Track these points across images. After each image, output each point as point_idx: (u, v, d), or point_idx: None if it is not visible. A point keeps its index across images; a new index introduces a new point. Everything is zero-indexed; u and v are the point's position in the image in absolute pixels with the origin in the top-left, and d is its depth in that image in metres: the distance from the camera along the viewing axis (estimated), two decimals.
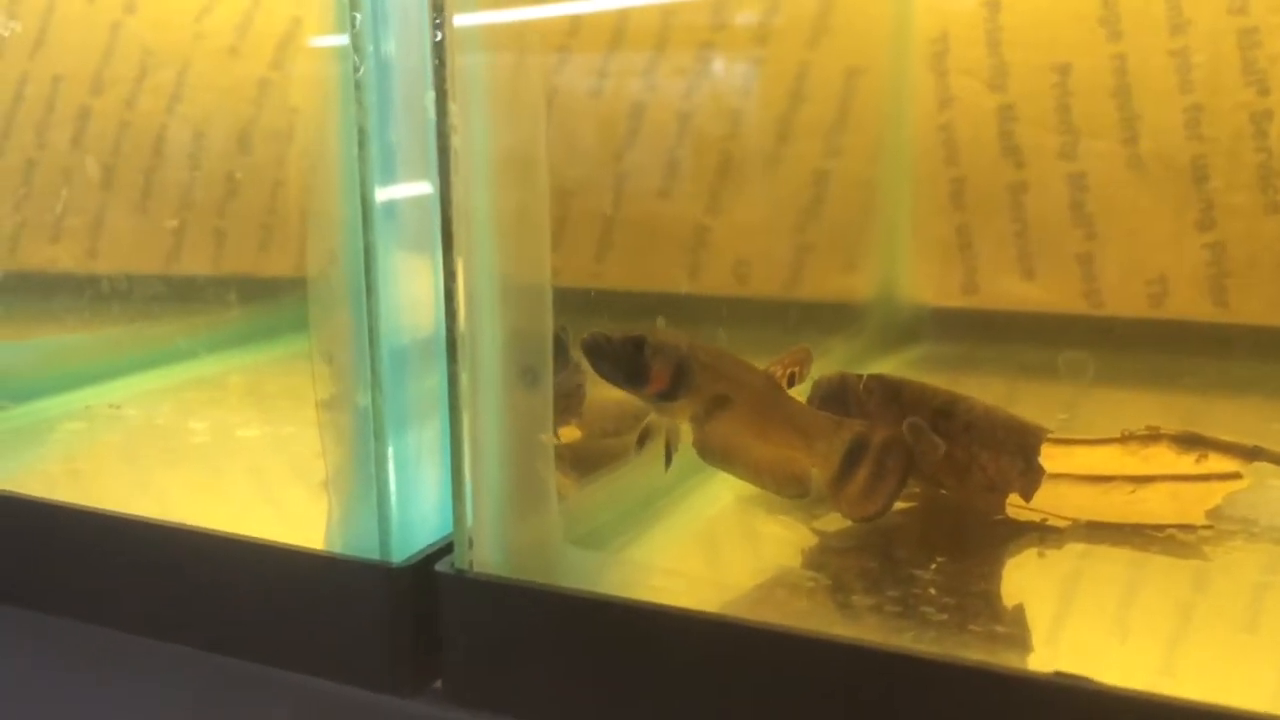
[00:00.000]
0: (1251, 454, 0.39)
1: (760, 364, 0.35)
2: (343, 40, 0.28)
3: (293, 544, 0.31)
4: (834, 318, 0.64)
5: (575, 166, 0.63)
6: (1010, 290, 0.65)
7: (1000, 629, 0.28)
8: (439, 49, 0.27)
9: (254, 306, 0.63)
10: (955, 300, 0.66)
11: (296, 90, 0.74)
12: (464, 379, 0.28)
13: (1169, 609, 0.31)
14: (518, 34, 0.29)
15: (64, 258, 0.71)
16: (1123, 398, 0.55)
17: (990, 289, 0.65)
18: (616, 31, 0.68)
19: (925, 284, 0.66)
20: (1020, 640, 0.28)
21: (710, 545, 0.35)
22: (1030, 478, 0.34)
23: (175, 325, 0.57)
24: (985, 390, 0.37)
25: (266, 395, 0.51)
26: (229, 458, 0.42)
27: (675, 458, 0.39)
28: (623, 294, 0.66)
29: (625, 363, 0.31)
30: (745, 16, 0.68)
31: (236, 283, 0.67)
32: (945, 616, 0.29)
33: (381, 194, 0.28)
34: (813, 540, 0.35)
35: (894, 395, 0.35)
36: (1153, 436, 0.41)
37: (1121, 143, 0.63)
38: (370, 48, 0.28)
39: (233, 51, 0.75)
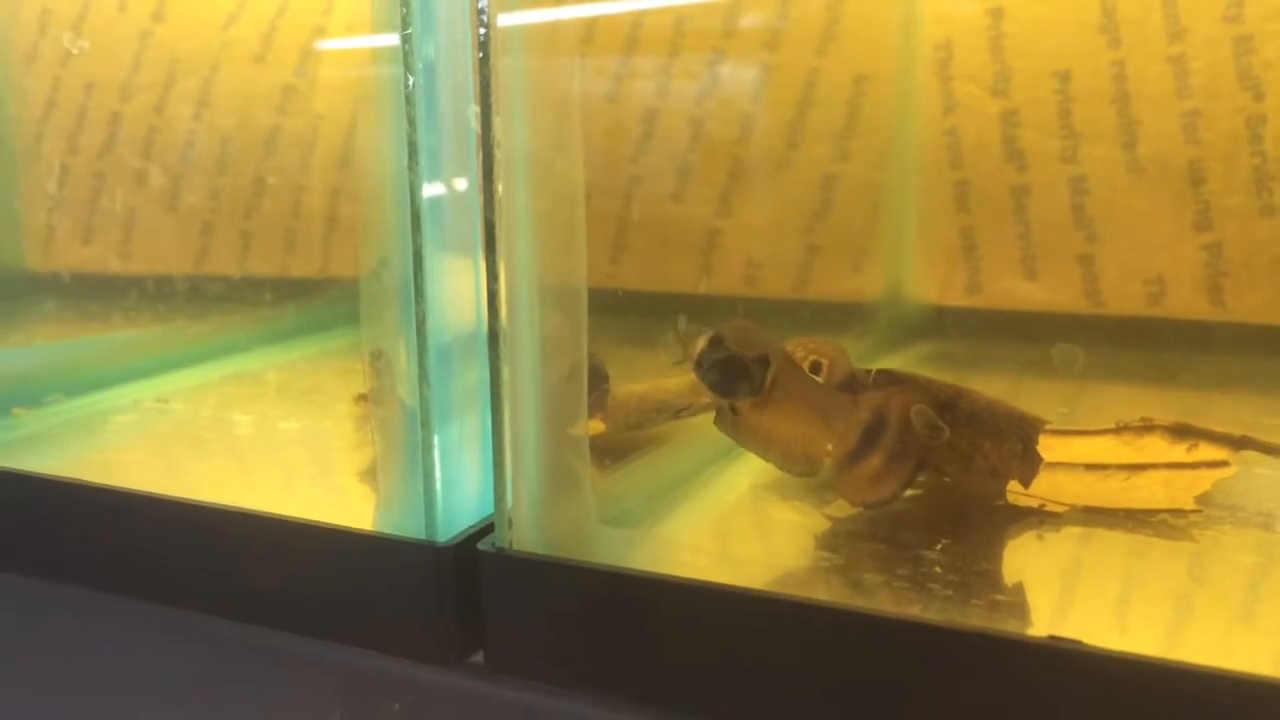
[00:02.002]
0: (1240, 443, 0.41)
1: None
2: (392, 40, 0.30)
3: (344, 525, 0.33)
4: (842, 317, 0.66)
5: (590, 169, 0.65)
6: (1013, 290, 0.67)
7: (1001, 601, 0.31)
8: (483, 53, 0.29)
9: (284, 307, 0.65)
10: (960, 300, 0.68)
11: (320, 96, 0.76)
12: (505, 372, 0.30)
13: (1161, 587, 0.33)
14: (556, 36, 0.31)
15: (98, 259, 0.73)
16: (1122, 393, 0.57)
17: (994, 289, 0.67)
18: (629, 37, 0.70)
19: (931, 284, 0.68)
20: (1019, 611, 0.30)
21: (730, 528, 0.37)
22: (1029, 465, 0.36)
23: (212, 324, 0.60)
24: (989, 386, 0.39)
25: (303, 390, 0.53)
26: (273, 448, 0.45)
27: (694, 450, 0.42)
28: (635, 294, 0.68)
29: (756, 380, 0.33)
30: (755, 24, 0.70)
31: (267, 284, 0.69)
32: (950, 592, 0.31)
33: (428, 196, 0.30)
34: (825, 525, 0.37)
35: (906, 385, 0.37)
36: (1146, 427, 0.43)
37: (1121, 147, 0.65)
38: (418, 52, 0.30)
39: (258, 59, 0.77)
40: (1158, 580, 0.34)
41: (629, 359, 0.44)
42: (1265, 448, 0.40)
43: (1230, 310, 0.63)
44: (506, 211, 0.29)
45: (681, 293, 0.69)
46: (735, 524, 0.37)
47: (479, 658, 0.33)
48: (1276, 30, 0.62)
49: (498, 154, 0.29)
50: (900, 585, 0.31)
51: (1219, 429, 0.42)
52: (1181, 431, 0.42)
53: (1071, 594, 0.33)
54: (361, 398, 0.46)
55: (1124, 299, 0.65)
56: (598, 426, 0.42)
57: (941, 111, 0.68)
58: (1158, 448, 0.42)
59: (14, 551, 0.39)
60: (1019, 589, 0.33)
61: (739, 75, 0.70)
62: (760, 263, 0.70)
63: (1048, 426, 0.38)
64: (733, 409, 0.34)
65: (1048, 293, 0.67)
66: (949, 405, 0.36)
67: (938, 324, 0.67)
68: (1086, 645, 0.25)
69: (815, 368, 0.36)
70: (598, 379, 0.41)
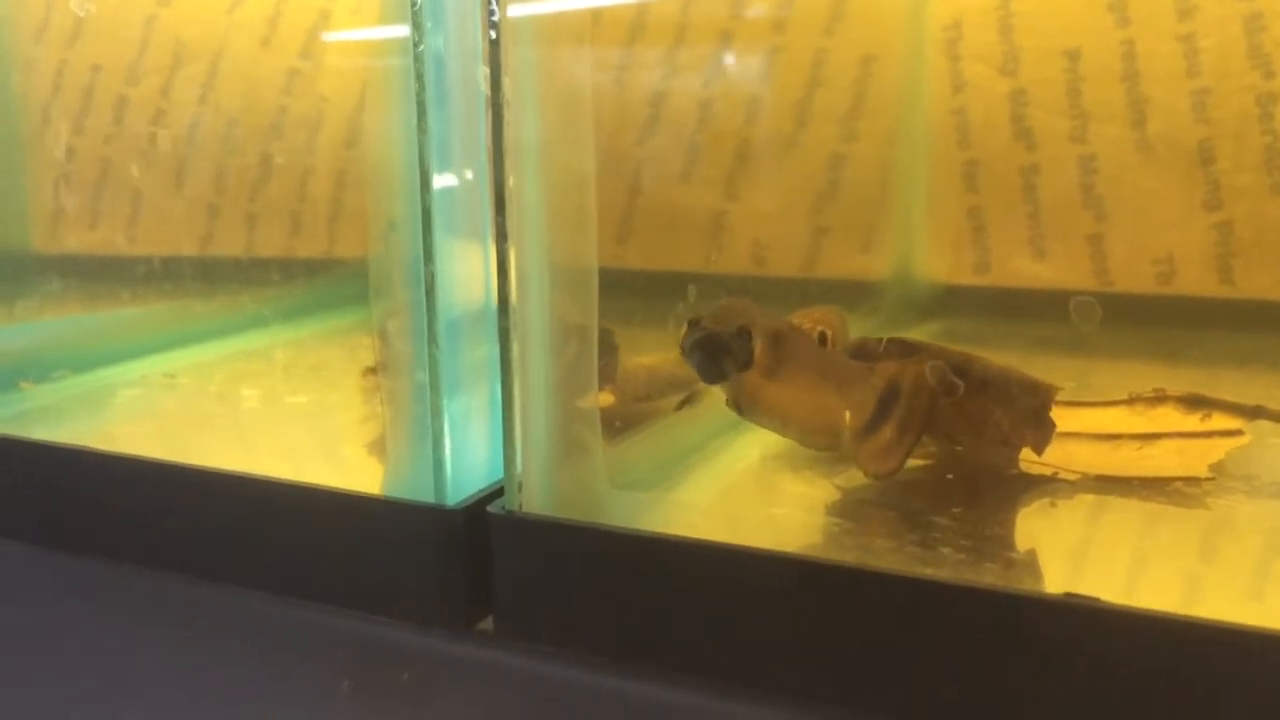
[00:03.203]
0: (1253, 413, 0.41)
1: None
2: (403, 31, 0.30)
3: (353, 490, 0.33)
4: (851, 296, 0.66)
5: (601, 151, 0.65)
6: (1022, 269, 0.67)
7: (1014, 564, 0.30)
8: (494, 40, 0.29)
9: (289, 286, 0.65)
10: (969, 279, 0.68)
11: (326, 80, 0.76)
12: (514, 337, 0.30)
13: (1176, 553, 0.33)
14: (566, 24, 0.31)
15: (105, 241, 0.73)
16: (1132, 369, 0.56)
17: (1003, 268, 0.67)
18: (636, 21, 0.70)
19: (940, 263, 0.68)
20: (1033, 574, 0.30)
21: (740, 495, 0.37)
22: (1042, 432, 0.36)
23: (218, 303, 0.60)
24: (1000, 361, 0.39)
25: (311, 366, 0.53)
26: (280, 421, 0.45)
27: (702, 421, 0.41)
28: (645, 274, 0.68)
29: (741, 354, 0.33)
30: (763, 5, 0.70)
31: (275, 264, 0.69)
32: (962, 556, 0.31)
33: (437, 177, 0.30)
34: (835, 494, 0.37)
35: (911, 355, 0.37)
36: (1159, 398, 0.43)
37: (1130, 126, 0.64)
38: (427, 31, 0.30)
39: (264, 42, 0.77)
40: (1172, 547, 0.34)
41: (640, 336, 0.44)
42: (1278, 416, 0.40)
43: (1240, 288, 0.63)
44: (517, 192, 0.29)
45: (693, 272, 0.68)
46: (745, 492, 0.37)
47: (488, 624, 0.32)
48: None
49: (508, 136, 0.28)
50: (912, 550, 0.31)
51: (1232, 399, 0.42)
52: (1194, 402, 0.42)
53: (1085, 560, 0.33)
54: (370, 371, 0.46)
55: (1133, 278, 0.65)
56: (607, 398, 0.42)
57: (950, 91, 0.68)
58: (1170, 418, 0.42)
59: (22, 519, 0.39)
60: (1031, 554, 0.32)
61: (746, 56, 0.70)
62: (768, 243, 0.70)
63: (1059, 397, 0.38)
64: (736, 395, 0.34)
65: (1056, 272, 0.66)
66: (961, 372, 0.36)
67: (946, 303, 0.67)
68: (1104, 602, 0.25)
69: (821, 338, 0.36)
70: (607, 351, 0.41)
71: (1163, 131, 0.64)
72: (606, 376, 0.42)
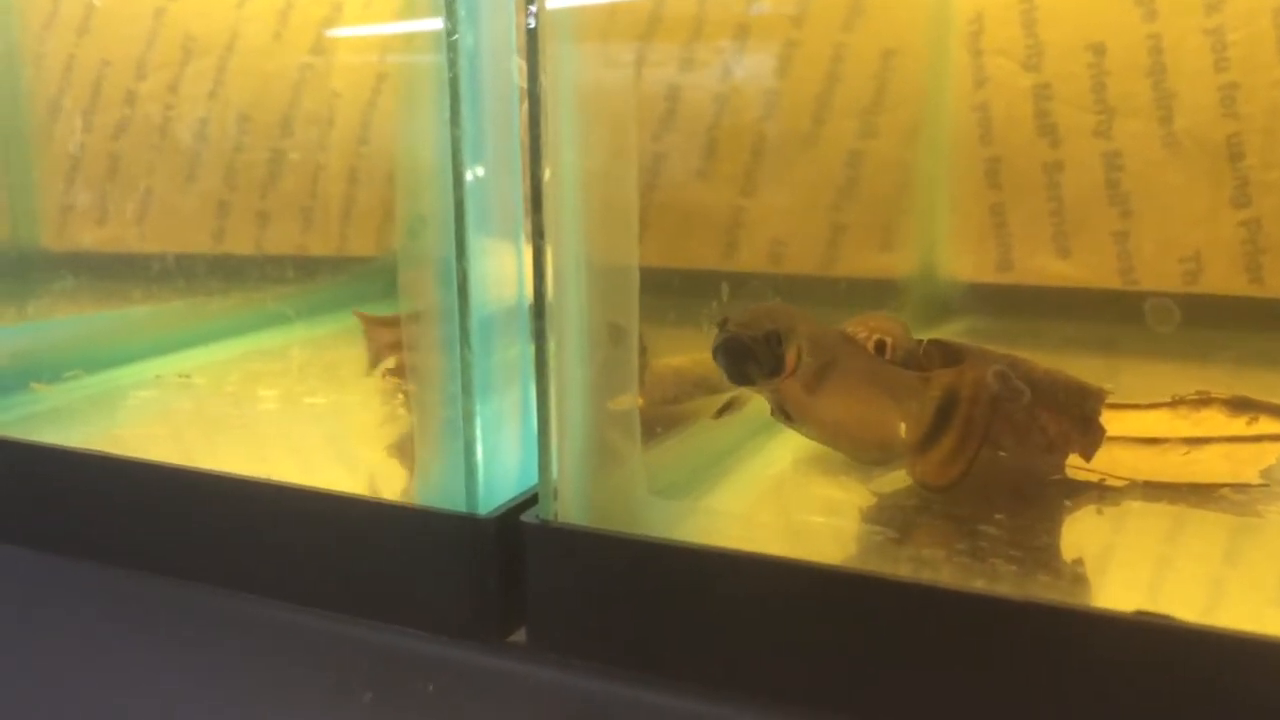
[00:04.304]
0: None
1: None
2: (435, 24, 0.29)
3: (381, 497, 0.32)
4: (873, 295, 0.65)
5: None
6: (1045, 267, 0.66)
7: (1068, 578, 0.29)
8: (531, 30, 0.28)
9: (304, 284, 0.64)
10: (991, 277, 0.67)
11: (338, 75, 0.75)
12: (551, 342, 0.29)
13: (1228, 562, 0.32)
14: (607, 17, 0.30)
15: (114, 238, 0.72)
16: (1160, 370, 0.55)
17: (1025, 266, 0.66)
18: (653, 15, 0.69)
19: (962, 261, 0.67)
20: (1088, 587, 0.29)
21: (778, 502, 0.36)
22: (1091, 438, 0.35)
23: (232, 301, 0.59)
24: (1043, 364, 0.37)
25: (326, 366, 0.52)
26: (300, 423, 0.44)
27: (733, 424, 0.40)
28: (662, 271, 0.67)
29: (767, 360, 0.32)
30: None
31: (289, 261, 0.68)
32: (1014, 567, 0.30)
33: (469, 173, 0.29)
34: (871, 500, 0.36)
35: (954, 358, 0.36)
36: (1204, 400, 0.42)
37: (1157, 121, 0.63)
38: (460, 22, 0.29)
39: (275, 36, 0.76)
40: (1226, 555, 0.32)
41: (660, 335, 0.43)
42: None
43: (1269, 287, 0.62)
44: (553, 188, 0.28)
45: (710, 269, 0.67)
46: (782, 499, 0.36)
47: (520, 636, 0.31)
48: None
49: (545, 130, 0.27)
50: (960, 559, 0.30)
51: (1278, 402, 0.40)
52: (1240, 405, 0.41)
53: (1138, 570, 0.31)
54: (389, 372, 0.45)
55: (1160, 276, 0.64)
56: (635, 400, 0.41)
57: (972, 86, 0.67)
58: (1216, 421, 0.41)
59: (32, 525, 0.38)
60: (1083, 565, 0.31)
61: (765, 51, 0.69)
62: (788, 240, 0.69)
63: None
64: (781, 402, 0.33)
65: (1081, 270, 0.65)
66: (1014, 377, 0.35)
67: (968, 301, 0.66)
68: (1179, 620, 0.24)
69: (879, 347, 0.35)
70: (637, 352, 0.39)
71: (1190, 127, 0.62)
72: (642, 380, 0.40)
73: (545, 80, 0.28)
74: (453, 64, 0.28)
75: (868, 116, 0.68)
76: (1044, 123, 0.65)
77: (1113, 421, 0.39)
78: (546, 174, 0.28)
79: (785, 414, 0.33)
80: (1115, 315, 0.64)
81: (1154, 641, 0.24)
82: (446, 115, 0.28)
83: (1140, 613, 0.24)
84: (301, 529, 0.33)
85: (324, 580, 0.33)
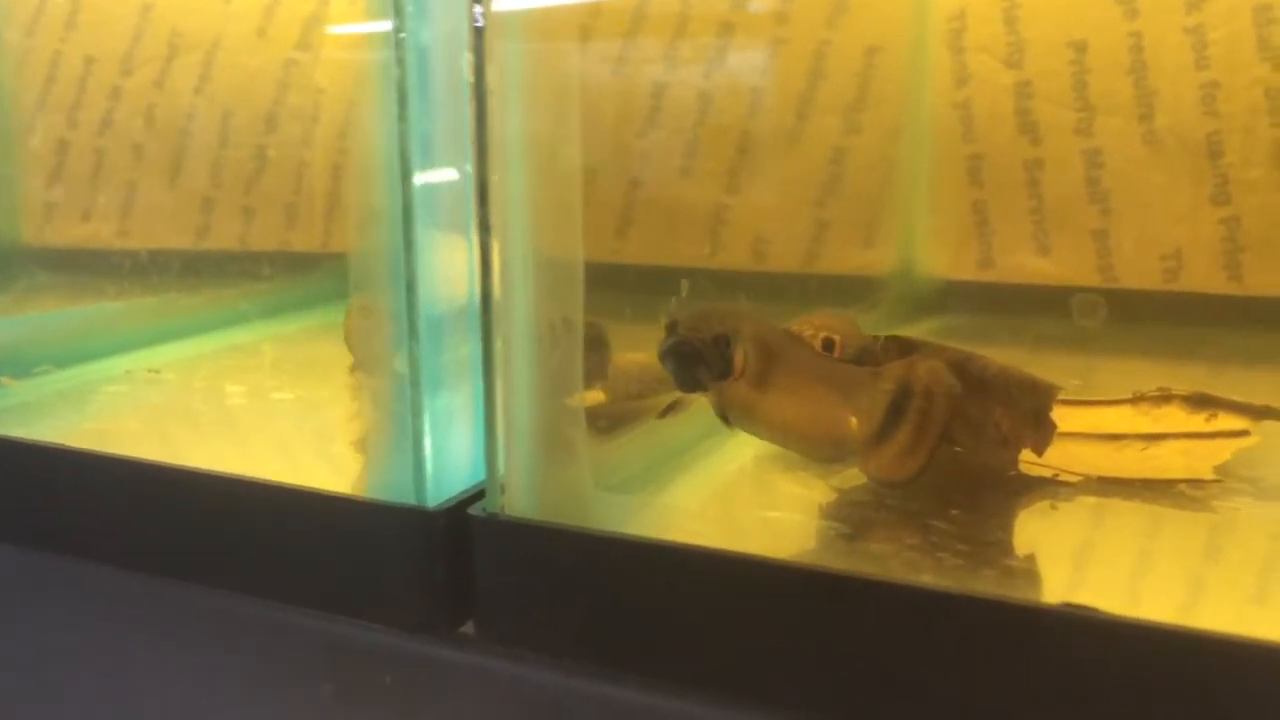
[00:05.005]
0: (1261, 413, 0.40)
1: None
2: (385, 26, 0.29)
3: (332, 490, 0.32)
4: (852, 291, 0.65)
5: (599, 145, 0.64)
6: (1026, 265, 0.66)
7: (1014, 570, 0.30)
8: (479, 28, 0.28)
9: (282, 280, 0.64)
10: (972, 274, 0.67)
11: (323, 71, 0.75)
12: (498, 336, 0.29)
13: (1179, 557, 0.32)
14: (553, 19, 0.30)
15: (97, 234, 0.72)
16: (1137, 367, 0.56)
17: (1006, 264, 0.66)
18: (637, 12, 0.69)
19: (943, 259, 0.67)
20: (1033, 580, 0.29)
21: (732, 498, 0.36)
22: (1042, 433, 0.35)
23: (206, 297, 0.59)
24: (1002, 359, 0.38)
25: (298, 362, 0.52)
26: (267, 418, 0.44)
27: (695, 420, 0.40)
28: (643, 268, 0.68)
29: (716, 364, 0.32)
30: None
31: (266, 258, 0.68)
32: (961, 561, 0.30)
33: (419, 173, 0.29)
34: (830, 495, 0.36)
35: (910, 353, 0.36)
36: (1164, 397, 0.42)
37: (1137, 119, 0.63)
38: (409, 17, 0.29)
39: (260, 33, 0.76)
40: (1178, 551, 0.33)
41: (634, 332, 0.43)
42: None
43: (1248, 285, 0.62)
44: (501, 184, 0.28)
45: (692, 267, 0.68)
46: (737, 494, 0.36)
47: (469, 628, 0.31)
48: None
49: (492, 127, 0.28)
50: (910, 554, 0.30)
51: (1239, 399, 0.40)
52: (1200, 401, 0.41)
53: (1085, 564, 0.32)
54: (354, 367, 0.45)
55: (1139, 274, 0.64)
56: (598, 395, 0.41)
57: (954, 83, 0.67)
58: (1175, 418, 0.41)
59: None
60: (1032, 559, 0.31)
61: (748, 48, 0.69)
62: (769, 238, 0.69)
63: (1061, 395, 0.37)
64: (722, 404, 0.33)
65: (1061, 268, 0.65)
66: (960, 371, 0.35)
67: (948, 299, 0.66)
68: (1102, 612, 0.24)
69: (827, 344, 0.35)
70: (597, 347, 0.40)
71: (1170, 125, 0.63)
72: (597, 373, 0.41)
73: (492, 77, 0.28)
74: (401, 61, 0.28)
75: (850, 113, 0.69)
76: (1025, 120, 0.66)
77: (1073, 418, 0.39)
78: (494, 172, 0.28)
79: (725, 418, 0.33)
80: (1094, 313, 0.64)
81: (1077, 633, 0.24)
82: (395, 111, 0.29)
83: (1065, 605, 0.24)
84: (258, 522, 0.33)
85: (280, 572, 0.33)
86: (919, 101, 0.68)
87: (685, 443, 0.38)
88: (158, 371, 0.48)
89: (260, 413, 0.45)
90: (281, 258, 0.70)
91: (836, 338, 0.35)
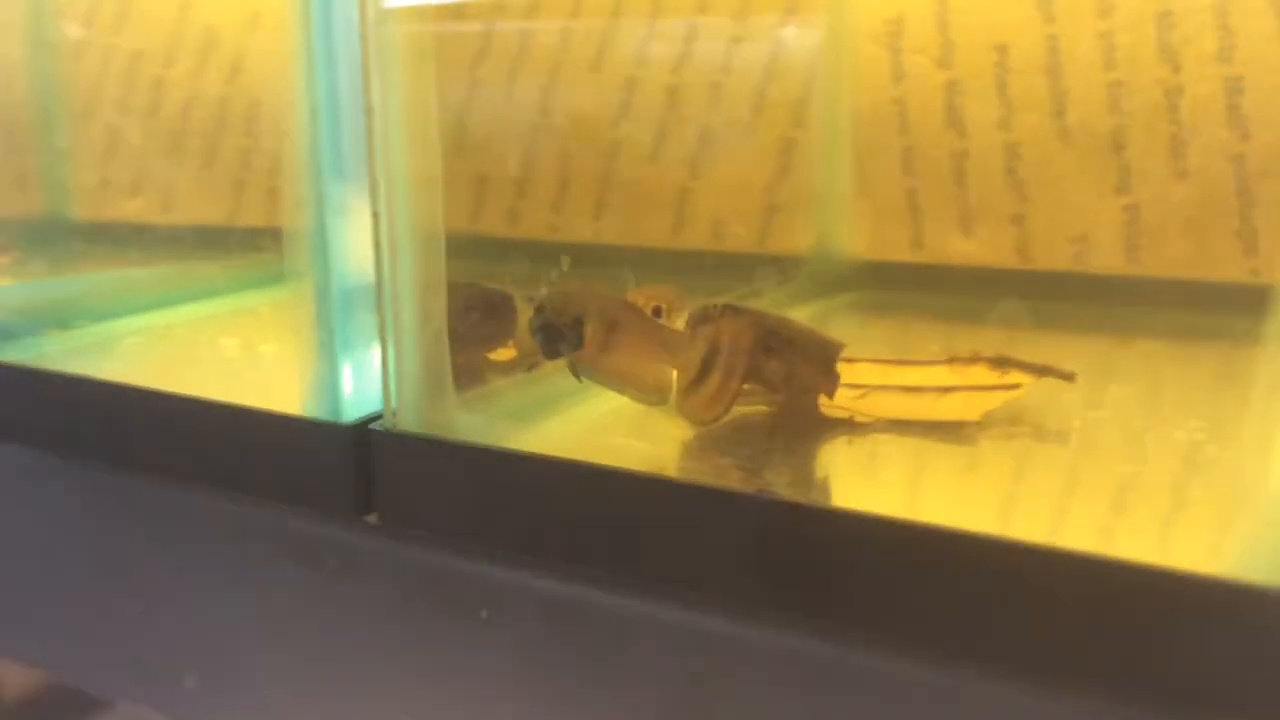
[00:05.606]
0: (1042, 371, 0.48)
1: None
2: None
3: (272, 409, 0.43)
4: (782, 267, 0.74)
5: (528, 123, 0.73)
6: (951, 247, 0.74)
7: (803, 482, 0.39)
8: (363, 19, 0.37)
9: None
10: (905, 256, 0.75)
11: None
12: (387, 292, 0.39)
13: (922, 472, 0.41)
14: (432, 9, 0.38)
15: (140, 211, 0.84)
16: (1050, 342, 0.63)
17: (933, 245, 0.74)
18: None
19: (867, 240, 0.75)
20: (813, 487, 0.38)
21: (594, 426, 0.46)
22: (830, 381, 0.44)
23: (224, 265, 0.69)
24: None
25: (292, 325, 0.63)
26: (247, 365, 0.54)
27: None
28: (611, 248, 0.77)
29: (574, 340, 0.41)
30: None
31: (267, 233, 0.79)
32: (743, 473, 0.39)
33: (330, 153, 0.39)
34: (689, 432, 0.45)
35: (740, 315, 0.45)
36: (974, 359, 0.50)
37: (1052, 115, 0.71)
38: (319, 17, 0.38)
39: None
40: (922, 469, 0.42)
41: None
42: (1062, 374, 0.48)
43: (1146, 265, 0.69)
44: (384, 164, 0.38)
45: (619, 245, 0.76)
46: (590, 429, 0.46)
47: (372, 517, 0.42)
48: (1194, 6, 0.68)
49: (375, 109, 0.37)
50: (724, 469, 0.39)
51: (1029, 360, 0.49)
52: (1001, 362, 0.49)
53: (858, 477, 0.41)
54: None
55: (1051, 256, 0.72)
56: (509, 353, 0.51)
57: (891, 81, 0.75)
58: (980, 375, 0.49)
59: (34, 430, 0.50)
60: (821, 474, 0.41)
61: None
62: (727, 220, 0.78)
63: (890, 356, 0.46)
64: (574, 362, 0.43)
65: (982, 249, 0.73)
66: (774, 332, 0.44)
67: (878, 276, 0.74)
68: (776, 494, 0.33)
69: (656, 311, 0.44)
70: (506, 312, 0.49)
71: (1080, 121, 0.70)
72: (507, 335, 0.50)
73: (372, 45, 0.37)
74: (311, 67, 0.38)
75: (799, 108, 0.77)
76: (953, 115, 0.73)
77: (895, 374, 0.48)
78: (374, 156, 0.37)
79: (575, 372, 0.43)
80: (1011, 292, 0.72)
81: (765, 514, 0.33)
82: (314, 115, 0.38)
83: (761, 490, 0.33)
84: (222, 431, 0.44)
85: (237, 471, 0.44)
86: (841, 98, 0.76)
87: (573, 389, 0.48)
88: (170, 328, 0.59)
89: (243, 361, 0.55)
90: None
91: (664, 305, 0.44)
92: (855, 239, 0.76)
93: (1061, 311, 0.70)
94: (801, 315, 0.67)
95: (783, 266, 0.72)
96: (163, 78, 0.89)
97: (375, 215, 0.38)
